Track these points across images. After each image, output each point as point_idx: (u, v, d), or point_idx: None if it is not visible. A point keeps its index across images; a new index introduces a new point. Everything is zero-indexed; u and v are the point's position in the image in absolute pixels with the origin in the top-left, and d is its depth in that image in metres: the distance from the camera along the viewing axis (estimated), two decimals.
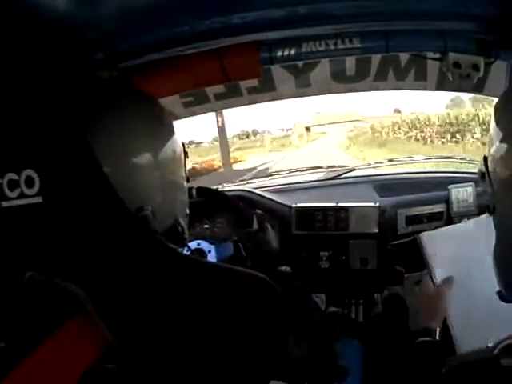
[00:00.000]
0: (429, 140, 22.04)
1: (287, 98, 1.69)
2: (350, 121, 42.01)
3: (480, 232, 1.05)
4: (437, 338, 0.86)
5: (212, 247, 1.24)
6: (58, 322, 0.52)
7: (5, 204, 0.50)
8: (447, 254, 1.03)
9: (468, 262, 1.01)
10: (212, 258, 1.23)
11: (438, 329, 0.88)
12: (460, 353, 0.90)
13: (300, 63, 1.39)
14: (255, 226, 1.49)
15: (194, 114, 1.59)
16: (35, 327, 0.52)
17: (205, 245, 1.23)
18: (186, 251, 1.02)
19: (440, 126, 21.64)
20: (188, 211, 0.73)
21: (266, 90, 1.54)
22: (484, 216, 1.09)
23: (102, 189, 0.53)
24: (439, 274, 0.99)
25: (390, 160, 1.97)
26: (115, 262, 0.54)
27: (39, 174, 0.50)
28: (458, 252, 1.02)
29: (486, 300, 0.96)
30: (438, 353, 0.81)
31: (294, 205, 1.55)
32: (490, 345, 0.61)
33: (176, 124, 0.74)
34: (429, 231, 1.09)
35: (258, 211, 1.48)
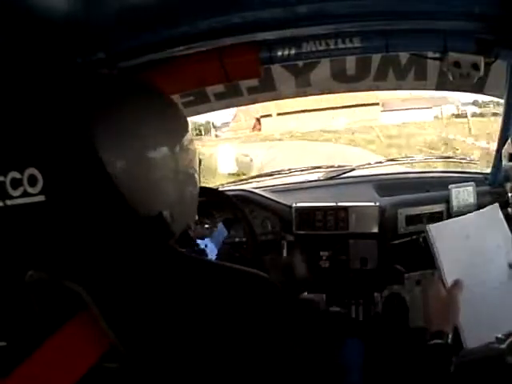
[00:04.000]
0: None
1: (287, 97, 1.70)
2: (360, 105, 17.59)
3: (484, 224, 1.08)
4: (449, 341, 0.86)
5: (207, 240, 1.23)
6: (61, 321, 0.52)
7: (8, 203, 0.50)
8: (454, 245, 1.05)
9: (474, 253, 1.03)
10: (212, 250, 1.23)
11: (450, 332, 0.88)
12: (467, 347, 0.91)
13: (300, 63, 1.39)
14: (284, 253, 1.51)
15: (194, 113, 1.60)
16: (37, 326, 0.52)
17: (199, 241, 1.22)
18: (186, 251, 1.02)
19: None
20: (196, 213, 0.71)
21: (266, 89, 1.54)
22: (487, 208, 1.10)
23: (105, 187, 0.53)
24: (447, 268, 1.01)
25: (390, 160, 1.98)
26: (118, 262, 0.54)
27: (42, 173, 0.50)
28: (464, 243, 1.04)
29: (492, 294, 0.99)
30: (449, 355, 0.82)
31: (294, 204, 1.55)
32: (498, 336, 0.61)
33: None
34: (436, 223, 1.10)
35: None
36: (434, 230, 1.07)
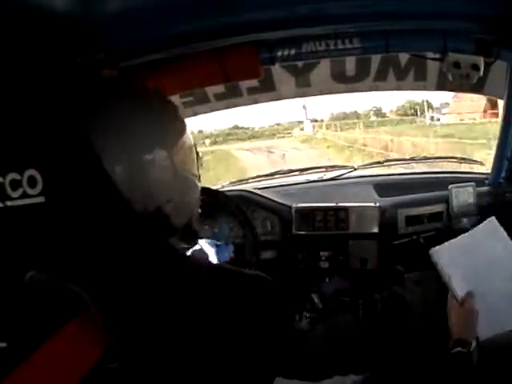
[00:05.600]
0: None
1: (287, 98, 1.70)
2: None
3: (484, 238, 1.10)
4: (471, 349, 0.88)
5: (212, 250, 1.23)
6: (61, 323, 0.52)
7: (7, 204, 0.50)
8: (459, 265, 1.07)
9: (479, 269, 1.06)
10: (224, 249, 1.23)
11: (473, 341, 0.90)
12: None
13: (300, 63, 1.39)
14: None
15: (193, 113, 1.60)
16: (37, 327, 0.52)
17: (206, 246, 1.22)
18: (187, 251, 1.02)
19: None
20: (199, 210, 0.71)
21: (266, 90, 1.55)
22: (485, 222, 1.12)
23: (105, 189, 0.53)
24: (458, 284, 1.03)
25: (390, 160, 1.98)
26: (118, 263, 0.54)
27: (42, 174, 0.50)
28: (467, 261, 1.08)
29: (501, 304, 1.01)
30: (472, 363, 0.85)
31: (294, 205, 1.55)
32: None
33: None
34: (437, 247, 1.12)
35: None
36: (436, 253, 1.09)
